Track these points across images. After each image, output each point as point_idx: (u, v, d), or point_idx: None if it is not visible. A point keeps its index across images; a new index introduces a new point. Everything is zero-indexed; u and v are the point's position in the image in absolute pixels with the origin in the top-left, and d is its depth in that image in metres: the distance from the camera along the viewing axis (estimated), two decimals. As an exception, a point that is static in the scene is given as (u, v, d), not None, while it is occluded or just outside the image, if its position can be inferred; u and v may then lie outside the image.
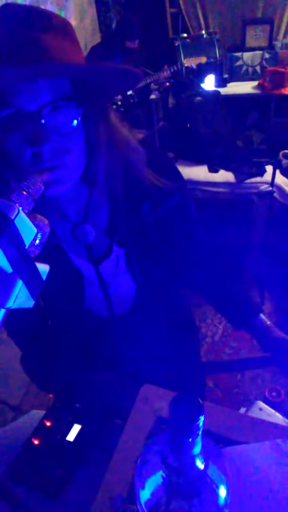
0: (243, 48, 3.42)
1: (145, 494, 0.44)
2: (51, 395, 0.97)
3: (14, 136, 0.58)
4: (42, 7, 2.82)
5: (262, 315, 0.92)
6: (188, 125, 2.43)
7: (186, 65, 2.97)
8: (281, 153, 2.29)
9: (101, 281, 0.83)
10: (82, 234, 0.76)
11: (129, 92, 2.79)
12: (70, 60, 0.58)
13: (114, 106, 2.74)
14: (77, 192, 0.73)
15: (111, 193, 0.76)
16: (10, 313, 0.42)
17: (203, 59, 3.01)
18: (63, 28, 0.59)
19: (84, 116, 0.62)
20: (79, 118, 0.61)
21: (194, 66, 2.96)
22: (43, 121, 0.57)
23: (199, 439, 0.39)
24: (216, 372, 1.88)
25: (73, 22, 3.39)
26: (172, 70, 2.92)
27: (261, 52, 3.24)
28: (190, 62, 2.98)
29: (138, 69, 0.61)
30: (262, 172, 2.29)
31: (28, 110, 0.56)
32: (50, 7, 2.96)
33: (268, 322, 0.91)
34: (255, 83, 3.14)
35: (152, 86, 2.78)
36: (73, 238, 0.77)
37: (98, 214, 0.78)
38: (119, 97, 2.78)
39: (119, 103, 2.80)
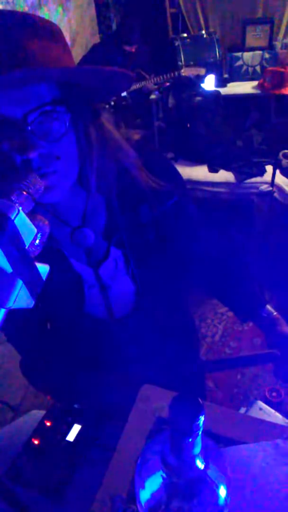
0: (243, 48, 3.42)
1: (145, 494, 0.44)
2: (49, 397, 0.97)
3: (2, 144, 0.57)
4: (44, 8, 2.84)
5: (268, 306, 0.92)
6: (188, 125, 2.43)
7: (184, 74, 2.94)
8: (281, 153, 2.30)
9: (100, 284, 0.83)
10: (81, 238, 0.76)
11: (123, 94, 2.78)
12: (54, 64, 0.56)
13: (107, 106, 2.73)
14: (74, 196, 0.73)
15: (106, 196, 0.76)
16: (9, 318, 0.41)
17: (202, 71, 3.00)
18: (49, 32, 0.57)
19: (73, 121, 0.61)
20: (68, 123, 0.60)
21: (192, 76, 2.95)
22: (29, 128, 0.56)
23: (199, 439, 0.39)
24: (216, 371, 1.88)
25: (74, 22, 3.39)
26: (155, 81, 2.87)
27: (261, 52, 3.25)
28: (188, 72, 2.96)
29: (131, 72, 0.60)
30: (262, 172, 2.30)
31: (14, 117, 0.55)
32: (52, 8, 2.96)
33: (275, 313, 0.91)
34: (255, 83, 3.14)
35: (152, 86, 2.77)
36: (72, 242, 0.77)
37: (96, 217, 0.78)
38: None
39: (112, 103, 2.79)
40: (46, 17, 2.83)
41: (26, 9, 2.59)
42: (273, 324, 0.90)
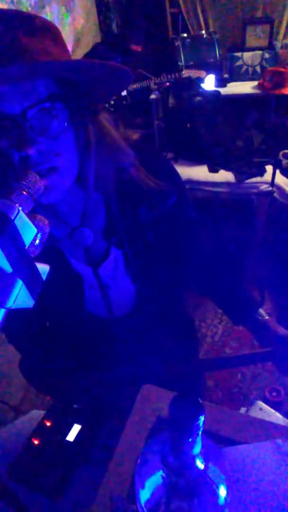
0: (243, 48, 3.42)
1: (145, 494, 0.44)
2: (48, 397, 0.97)
3: (0, 141, 0.57)
4: (47, 8, 2.84)
5: (261, 310, 0.92)
6: (188, 125, 2.43)
7: (185, 75, 2.94)
8: (281, 153, 2.30)
9: (100, 284, 0.83)
10: (80, 238, 0.76)
11: (124, 93, 2.78)
12: (52, 60, 0.56)
13: (107, 105, 2.72)
14: (73, 196, 0.72)
15: (105, 196, 0.76)
16: (9, 318, 0.41)
17: (203, 74, 3.00)
18: (46, 30, 0.58)
19: (72, 118, 0.61)
20: (67, 120, 0.60)
21: (193, 78, 2.95)
22: (28, 124, 0.56)
23: (199, 439, 0.39)
24: (215, 369, 1.88)
25: (78, 22, 3.38)
26: (156, 81, 2.87)
27: (261, 52, 3.24)
28: (189, 74, 2.96)
29: (133, 71, 0.60)
30: (262, 172, 2.30)
31: (12, 113, 0.55)
32: (55, 8, 2.96)
33: (267, 317, 0.91)
34: (255, 83, 3.14)
35: (152, 86, 2.77)
36: (71, 242, 0.77)
37: (95, 217, 0.78)
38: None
39: (112, 102, 2.79)
40: (48, 18, 2.83)
41: (29, 9, 2.59)
42: (265, 328, 0.90)
